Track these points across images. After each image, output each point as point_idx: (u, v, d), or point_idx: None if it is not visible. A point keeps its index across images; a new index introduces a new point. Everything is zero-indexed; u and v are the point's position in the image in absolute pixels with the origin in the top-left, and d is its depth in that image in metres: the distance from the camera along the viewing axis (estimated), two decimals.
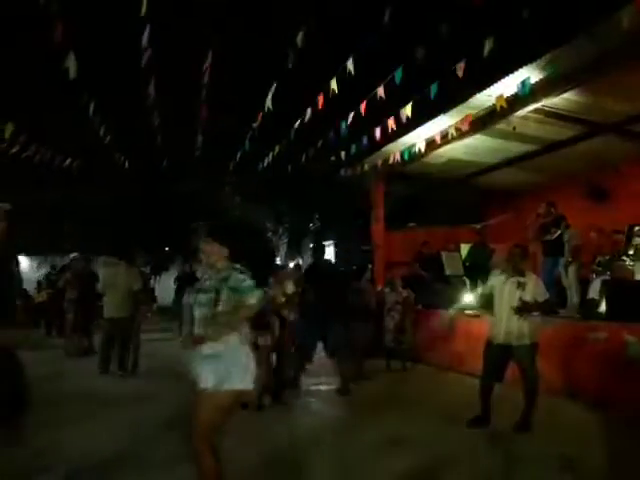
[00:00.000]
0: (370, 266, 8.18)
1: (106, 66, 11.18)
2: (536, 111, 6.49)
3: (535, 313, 4.63)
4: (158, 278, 18.80)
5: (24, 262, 19.82)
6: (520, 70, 5.48)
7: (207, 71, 7.15)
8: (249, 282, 2.86)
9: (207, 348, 2.73)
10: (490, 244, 9.85)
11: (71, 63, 5.51)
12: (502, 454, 4.09)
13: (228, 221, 15.29)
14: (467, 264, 9.80)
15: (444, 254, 10.19)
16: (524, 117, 6.64)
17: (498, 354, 4.62)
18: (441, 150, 8.15)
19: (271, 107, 6.94)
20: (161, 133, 9.68)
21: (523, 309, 4.43)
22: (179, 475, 3.37)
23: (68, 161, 10.07)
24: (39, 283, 14.77)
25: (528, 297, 4.50)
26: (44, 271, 16.25)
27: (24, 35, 10.75)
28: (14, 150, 8.64)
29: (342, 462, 3.82)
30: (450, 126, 7.10)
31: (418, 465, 3.76)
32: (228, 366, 2.72)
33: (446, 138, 7.43)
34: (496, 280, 4.76)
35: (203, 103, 8.39)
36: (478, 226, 11.49)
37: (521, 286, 4.54)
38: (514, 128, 7.00)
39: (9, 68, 12.02)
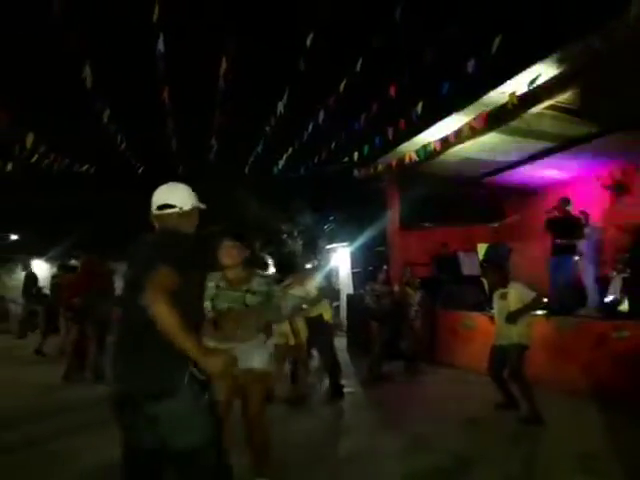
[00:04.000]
0: (385, 267, 8.14)
1: (121, 73, 11.33)
2: (551, 107, 6.40)
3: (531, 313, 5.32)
4: None
5: (40, 265, 20.29)
6: (532, 67, 5.41)
7: (221, 75, 7.21)
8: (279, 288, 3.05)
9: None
10: (508, 243, 9.76)
11: (87, 73, 5.62)
12: (525, 454, 4.05)
13: (247, 224, 15.37)
14: (484, 264, 9.70)
15: (461, 254, 10.12)
16: (539, 114, 6.56)
17: (498, 353, 5.26)
18: (456, 149, 8.08)
19: (283, 111, 6.97)
20: (176, 138, 9.78)
21: (510, 318, 5.09)
22: None
23: (85, 167, 10.22)
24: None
25: (512, 304, 5.18)
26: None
27: (41, 47, 10.95)
28: (34, 159, 8.84)
29: (365, 463, 3.81)
30: (464, 124, 7.04)
31: (441, 466, 3.74)
32: (264, 352, 3.09)
33: (460, 136, 7.37)
34: (494, 296, 5.57)
35: (217, 107, 8.46)
36: (495, 225, 11.39)
37: (503, 296, 5.32)
38: (528, 126, 6.93)
39: (28, 79, 12.27)
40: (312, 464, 3.74)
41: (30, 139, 7.24)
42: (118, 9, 11.10)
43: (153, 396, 1.90)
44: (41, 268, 20.23)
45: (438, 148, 7.79)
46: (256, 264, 3.23)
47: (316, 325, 5.65)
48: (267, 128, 8.82)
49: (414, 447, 4.20)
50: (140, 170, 10.80)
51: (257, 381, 3.06)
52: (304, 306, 5.41)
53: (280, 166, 10.50)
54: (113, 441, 2.17)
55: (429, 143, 7.89)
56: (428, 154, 8.13)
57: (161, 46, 5.96)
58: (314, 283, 5.91)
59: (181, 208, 2.27)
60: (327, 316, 5.83)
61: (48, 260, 19.73)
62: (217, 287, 3.08)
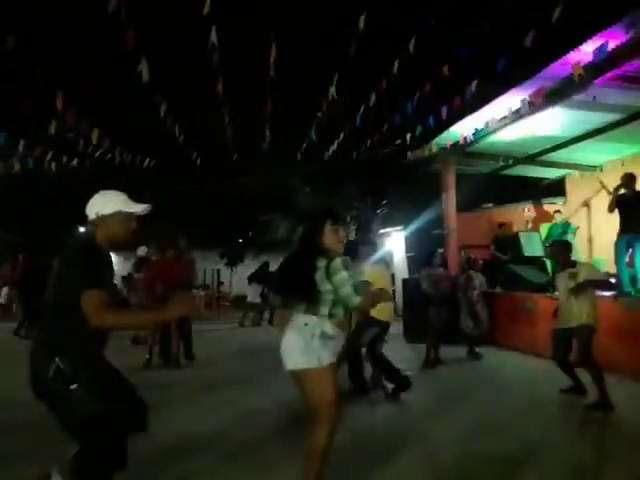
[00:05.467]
0: (441, 250, 8.01)
1: (176, 67, 11.65)
2: (618, 78, 6.03)
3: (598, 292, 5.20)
4: (234, 269, 19.49)
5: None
6: (597, 35, 5.11)
7: (271, 63, 7.26)
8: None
9: (332, 330, 2.74)
10: (572, 222, 9.36)
11: (144, 67, 5.82)
12: (593, 441, 3.94)
13: (300, 211, 15.48)
14: (547, 244, 9.36)
15: (522, 235, 9.81)
16: (605, 85, 6.20)
17: (562, 337, 5.06)
18: (514, 126, 7.79)
19: (335, 95, 6.94)
20: (230, 128, 9.96)
21: (578, 288, 4.88)
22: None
23: (147, 161, 10.64)
24: (124, 278, 15.74)
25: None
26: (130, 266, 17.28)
27: (98, 45, 11.40)
28: (98, 153, 9.29)
29: (425, 446, 3.81)
30: (523, 100, 6.77)
31: (505, 451, 3.68)
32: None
33: (519, 113, 7.09)
34: (558, 277, 5.34)
35: (269, 96, 8.54)
36: (558, 204, 10.94)
37: (572, 276, 5.05)
38: (594, 98, 6.56)
39: (90, 77, 12.85)
40: (372, 447, 3.79)
41: (95, 134, 7.58)
42: (170, 4, 11.39)
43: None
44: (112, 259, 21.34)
45: (495, 126, 7.54)
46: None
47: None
48: (319, 114, 8.83)
49: (477, 431, 4.15)
50: (198, 161, 11.10)
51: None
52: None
53: (332, 151, 10.49)
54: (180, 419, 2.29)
55: (485, 121, 7.65)
56: (485, 133, 7.89)
57: (214, 38, 6.07)
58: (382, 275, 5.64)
59: (97, 213, 2.44)
60: (382, 316, 5.38)
61: (118, 252, 20.76)
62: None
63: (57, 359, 2.19)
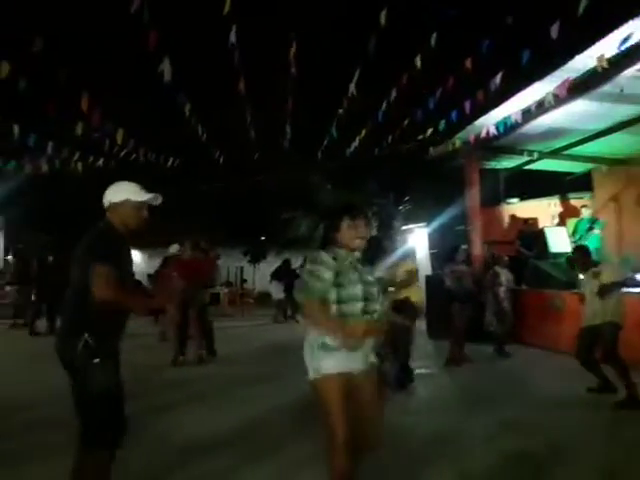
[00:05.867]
0: (464, 247, 7.92)
1: (198, 67, 11.75)
2: None
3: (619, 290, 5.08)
4: (257, 266, 19.64)
5: (136, 256, 21.78)
6: (623, 26, 4.97)
7: (291, 60, 7.27)
8: None
9: (333, 341, 2.45)
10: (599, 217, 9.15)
11: (166, 67, 5.89)
12: (622, 441, 3.86)
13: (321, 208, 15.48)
14: (574, 240, 9.18)
15: (548, 230, 9.63)
16: (633, 76, 6.03)
17: (587, 335, 5.07)
18: (539, 119, 7.65)
19: (355, 92, 6.91)
20: (252, 126, 10.02)
21: (602, 291, 4.93)
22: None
23: (171, 160, 10.78)
24: (149, 276, 15.96)
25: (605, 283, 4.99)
26: (156, 264, 17.58)
27: (120, 45, 11.57)
28: (123, 153, 9.45)
29: (450, 445, 3.79)
30: (547, 93, 6.63)
31: (532, 450, 3.64)
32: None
33: (543, 106, 6.95)
34: (583, 277, 5.44)
35: (289, 94, 8.56)
36: (585, 198, 10.71)
37: (595, 275, 5.14)
38: (621, 90, 6.39)
39: (114, 78, 13.06)
40: (397, 446, 3.77)
41: (120, 135, 7.71)
42: (191, 4, 11.50)
43: None
44: (134, 256, 21.75)
45: (519, 120, 7.41)
46: None
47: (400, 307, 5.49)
48: (339, 110, 8.81)
49: (503, 430, 4.10)
50: (220, 160, 11.20)
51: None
52: (390, 289, 5.34)
53: (353, 148, 10.46)
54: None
55: (509, 115, 7.52)
56: (509, 127, 7.76)
57: (234, 38, 6.11)
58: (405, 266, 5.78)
59: (109, 201, 2.67)
60: (415, 297, 5.65)
61: (140, 249, 21.13)
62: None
63: (86, 335, 2.43)
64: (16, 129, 7.42)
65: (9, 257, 13.20)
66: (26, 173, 10.30)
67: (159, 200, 2.74)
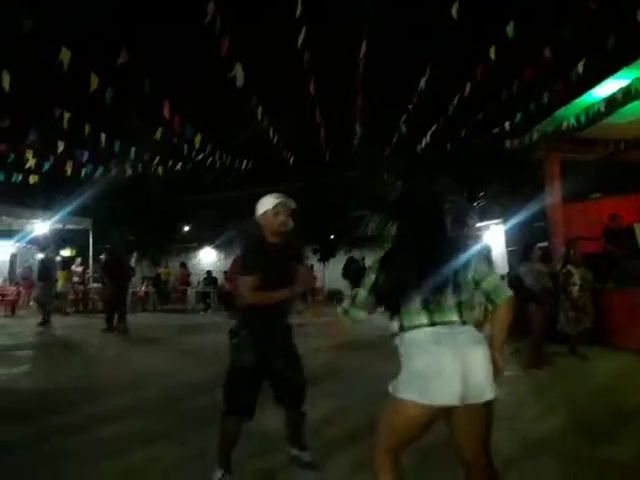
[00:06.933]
0: (540, 245, 7.54)
1: (269, 69, 12.02)
2: None
3: None
4: (327, 264, 19.88)
5: (212, 254, 22.72)
6: None
7: (361, 58, 7.26)
8: None
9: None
10: None
11: (238, 72, 6.08)
12: None
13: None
14: None
15: (637, 227, 9.00)
16: None
17: None
18: (625, 108, 7.14)
19: (424, 87, 6.80)
20: (323, 126, 10.11)
21: None
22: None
23: (245, 162, 11.14)
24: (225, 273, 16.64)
25: None
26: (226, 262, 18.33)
27: (194, 52, 12.05)
28: (201, 157, 9.89)
29: (530, 452, 3.61)
30: (635, 80, 6.18)
31: (620, 461, 3.42)
32: None
33: (630, 94, 6.48)
34: None
35: (359, 92, 8.56)
36: None
37: None
38: None
39: (191, 85, 13.66)
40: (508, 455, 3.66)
41: (198, 139, 8.07)
42: (260, 8, 11.78)
43: None
44: (210, 255, 22.73)
45: (603, 110, 6.95)
46: None
47: None
48: (409, 107, 8.69)
49: (588, 438, 3.88)
50: (292, 161, 11.41)
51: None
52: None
53: (425, 144, 10.27)
54: None
55: (592, 105, 7.08)
56: (591, 117, 7.31)
57: (304, 39, 6.19)
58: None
59: (257, 215, 3.08)
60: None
61: (216, 247, 22.05)
62: None
63: (236, 322, 3.14)
64: (102, 137, 7.97)
65: (101, 257, 14.15)
66: (113, 177, 11.03)
67: (291, 203, 3.08)
